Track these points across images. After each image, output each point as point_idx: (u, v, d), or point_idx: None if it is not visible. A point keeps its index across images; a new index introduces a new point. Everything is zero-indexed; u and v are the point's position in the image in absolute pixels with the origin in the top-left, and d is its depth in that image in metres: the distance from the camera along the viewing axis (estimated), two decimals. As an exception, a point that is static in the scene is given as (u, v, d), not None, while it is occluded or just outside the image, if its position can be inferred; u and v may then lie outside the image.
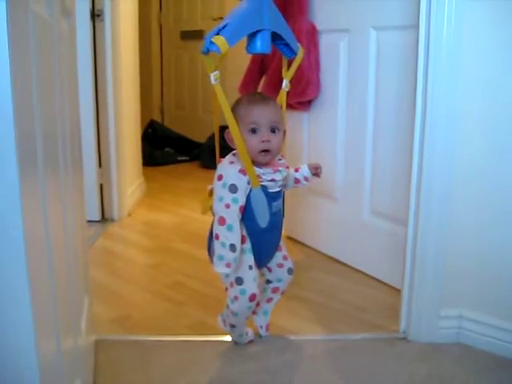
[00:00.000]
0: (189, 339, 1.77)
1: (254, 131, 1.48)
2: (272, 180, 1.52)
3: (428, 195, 1.69)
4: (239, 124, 1.48)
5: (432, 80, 1.63)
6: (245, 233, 1.52)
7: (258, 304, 1.73)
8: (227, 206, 1.46)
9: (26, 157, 0.71)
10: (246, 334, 1.74)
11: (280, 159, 1.60)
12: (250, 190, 1.49)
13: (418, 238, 1.73)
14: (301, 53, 1.65)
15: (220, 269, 1.47)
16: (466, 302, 1.73)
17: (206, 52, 1.39)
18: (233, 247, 1.46)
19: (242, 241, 1.51)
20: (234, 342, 1.74)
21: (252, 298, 1.53)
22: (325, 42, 2.39)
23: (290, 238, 2.72)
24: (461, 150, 1.65)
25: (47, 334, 0.81)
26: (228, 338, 1.75)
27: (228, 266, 1.46)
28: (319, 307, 2.01)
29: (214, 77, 1.42)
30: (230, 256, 1.46)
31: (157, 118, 5.45)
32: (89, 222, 2.83)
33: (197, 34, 5.25)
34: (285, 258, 1.69)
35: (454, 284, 1.72)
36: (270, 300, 1.74)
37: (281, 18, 1.58)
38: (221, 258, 1.46)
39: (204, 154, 4.54)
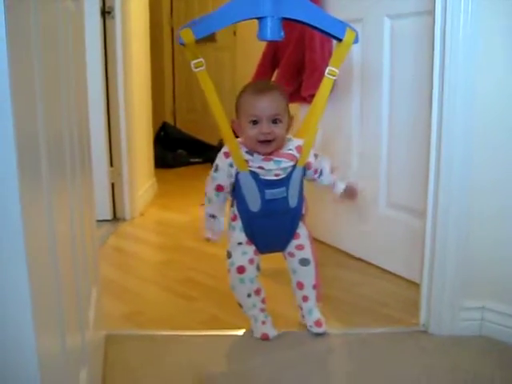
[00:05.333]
0: (201, 334, 1.72)
1: (255, 122, 1.51)
2: (260, 167, 1.52)
3: (447, 184, 1.63)
4: (241, 113, 1.54)
5: (449, 67, 1.58)
6: (236, 212, 1.60)
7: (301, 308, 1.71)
8: (207, 182, 1.61)
9: (28, 157, 0.69)
10: (263, 323, 1.67)
11: (290, 149, 1.56)
12: (238, 173, 1.53)
13: (438, 229, 1.66)
14: (349, 37, 1.58)
15: (205, 233, 1.65)
16: (489, 292, 1.66)
17: (182, 43, 1.45)
18: (212, 216, 1.64)
19: (233, 218, 1.61)
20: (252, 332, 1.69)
21: (239, 269, 1.59)
22: (338, 32, 2.33)
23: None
24: (480, 137, 1.59)
25: (49, 324, 0.77)
26: (241, 333, 1.71)
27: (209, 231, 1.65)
28: (337, 302, 1.95)
29: (194, 65, 1.48)
30: (211, 222, 1.64)
31: (169, 120, 5.42)
32: (100, 221, 2.80)
33: (209, 37, 5.20)
34: (299, 247, 1.63)
35: (477, 274, 1.66)
36: (305, 298, 1.68)
37: (304, 3, 1.52)
38: (205, 225, 1.66)
39: (217, 155, 4.49)
